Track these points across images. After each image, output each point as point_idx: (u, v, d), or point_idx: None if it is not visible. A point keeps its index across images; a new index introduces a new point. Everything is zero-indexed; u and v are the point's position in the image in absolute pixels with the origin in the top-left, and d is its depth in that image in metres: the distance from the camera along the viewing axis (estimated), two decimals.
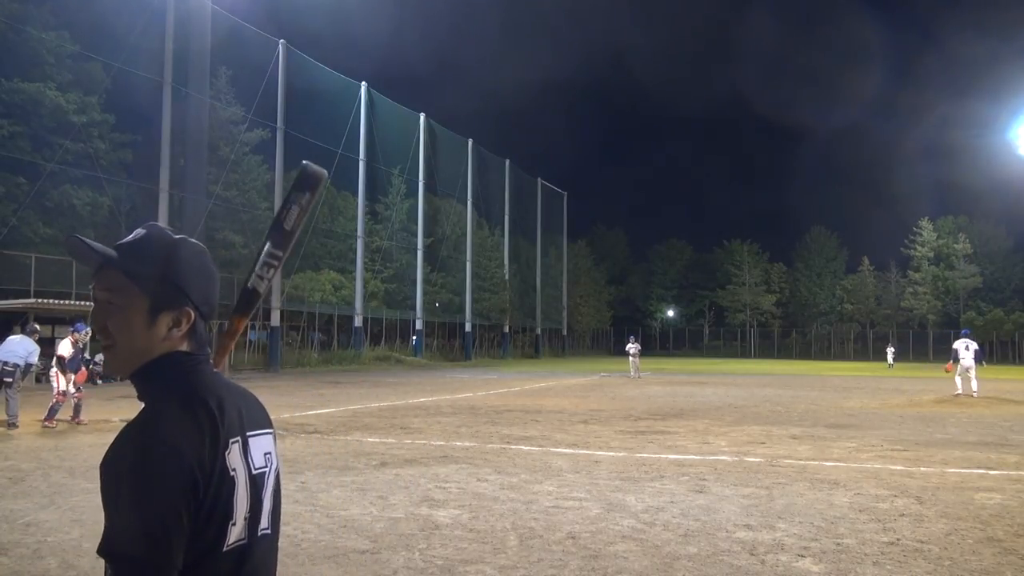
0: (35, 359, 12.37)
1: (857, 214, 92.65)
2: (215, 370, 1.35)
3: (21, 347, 11.93)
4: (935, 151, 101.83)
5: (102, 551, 1.11)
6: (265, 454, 1.33)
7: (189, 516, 1.14)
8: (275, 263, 1.52)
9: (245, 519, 1.24)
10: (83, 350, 12.58)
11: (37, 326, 13.32)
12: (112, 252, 1.28)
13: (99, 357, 24.53)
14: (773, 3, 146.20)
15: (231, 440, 1.24)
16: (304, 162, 1.53)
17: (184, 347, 1.30)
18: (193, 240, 1.36)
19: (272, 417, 1.45)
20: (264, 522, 1.29)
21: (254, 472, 1.28)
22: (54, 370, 11.91)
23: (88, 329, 14.30)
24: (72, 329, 12.33)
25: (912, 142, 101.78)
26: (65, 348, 11.96)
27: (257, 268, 1.50)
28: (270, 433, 1.38)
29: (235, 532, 1.22)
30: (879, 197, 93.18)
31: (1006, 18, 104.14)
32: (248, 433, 1.30)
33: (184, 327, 1.29)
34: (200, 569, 1.17)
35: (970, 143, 75.76)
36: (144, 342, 1.27)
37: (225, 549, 1.20)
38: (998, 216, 70.32)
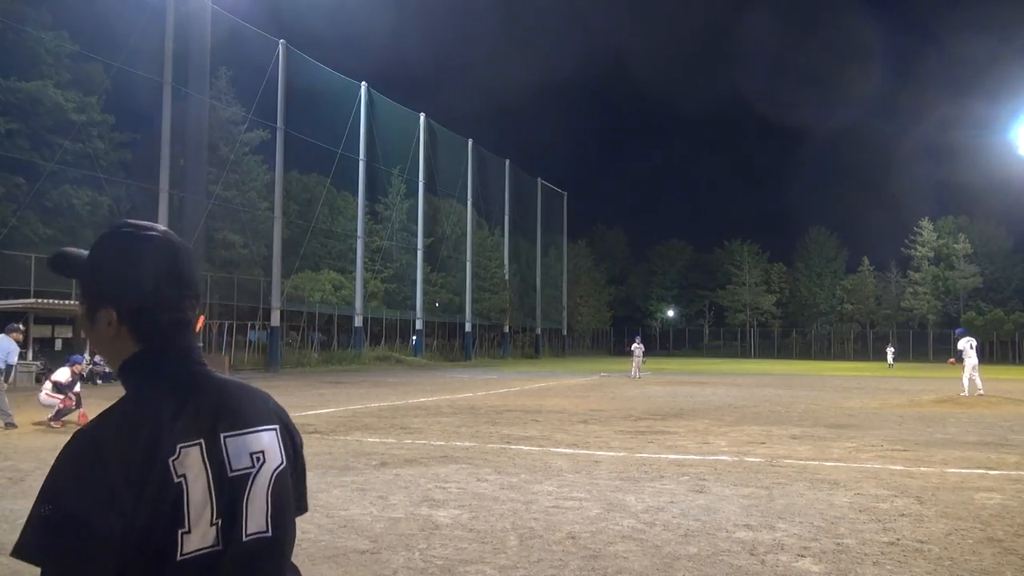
0: (14, 359, 12.35)
1: (857, 214, 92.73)
2: (198, 367, 1.29)
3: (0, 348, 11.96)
4: (935, 151, 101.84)
5: (16, 553, 1.10)
6: (253, 453, 1.24)
7: (110, 528, 1.09)
8: None
9: (213, 525, 1.17)
10: (81, 378, 12.77)
11: (20, 325, 13.28)
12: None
13: (99, 357, 24.56)
14: (773, 3, 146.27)
15: (182, 445, 1.17)
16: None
17: (138, 346, 1.26)
18: (126, 231, 1.30)
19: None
20: (255, 525, 1.22)
21: (231, 474, 1.21)
22: (44, 394, 11.91)
23: (85, 358, 14.41)
24: (71, 361, 12.44)
25: (912, 142, 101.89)
26: (63, 375, 12.02)
27: None
28: (269, 430, 1.29)
29: (193, 540, 1.15)
30: (879, 197, 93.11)
31: (1006, 18, 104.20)
32: (226, 433, 1.22)
33: (114, 325, 1.25)
34: None
35: (970, 143, 75.79)
36: (101, 344, 1.28)
37: (181, 558, 1.14)
38: (998, 216, 70.41)
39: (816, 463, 8.96)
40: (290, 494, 1.31)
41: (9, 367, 12.20)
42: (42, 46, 27.28)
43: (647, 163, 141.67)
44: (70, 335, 25.95)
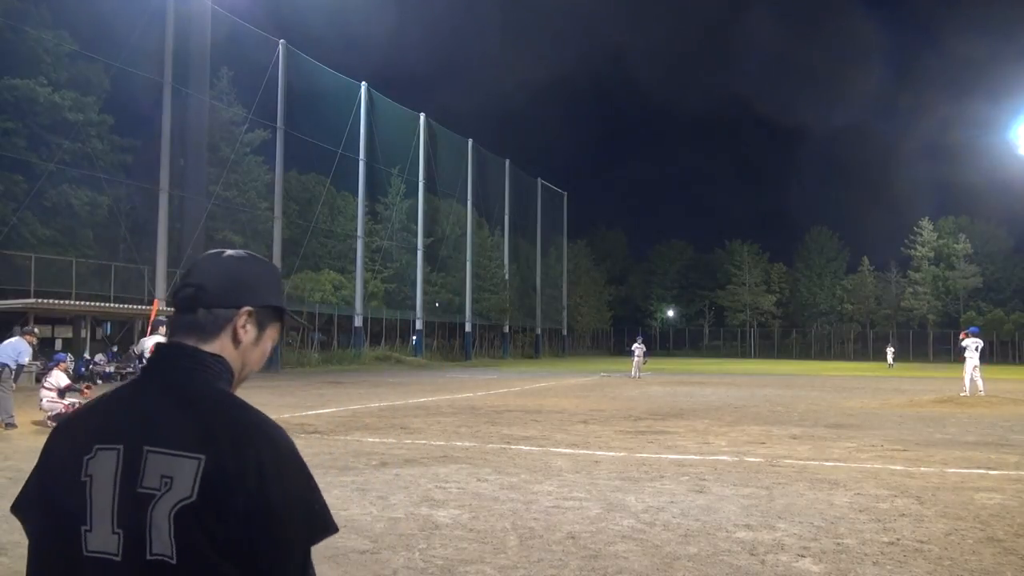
0: (25, 359, 12.46)
1: (857, 214, 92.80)
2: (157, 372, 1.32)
3: (11, 348, 12.09)
4: (935, 151, 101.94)
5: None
6: (163, 476, 1.18)
7: (35, 489, 1.29)
8: None
9: (115, 534, 1.18)
10: (68, 374, 13.02)
11: (36, 329, 13.45)
12: None
13: (99, 357, 24.55)
14: (773, 3, 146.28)
15: (99, 446, 1.22)
16: None
17: None
18: None
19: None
20: (160, 547, 1.16)
21: (140, 489, 1.18)
22: (47, 401, 11.97)
23: (69, 355, 14.76)
24: (56, 361, 12.57)
25: (912, 142, 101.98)
26: (63, 379, 12.13)
27: None
28: (189, 458, 1.18)
29: (95, 541, 1.18)
30: (879, 197, 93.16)
31: (1006, 18, 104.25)
32: (150, 447, 1.20)
33: None
34: (66, 567, 1.21)
35: (970, 143, 75.98)
36: None
37: (87, 554, 1.19)
38: (998, 216, 70.51)
39: (816, 463, 8.96)
40: (203, 532, 1.17)
41: (20, 367, 12.29)
42: (41, 45, 27.26)
43: (647, 163, 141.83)
44: (70, 335, 25.97)
